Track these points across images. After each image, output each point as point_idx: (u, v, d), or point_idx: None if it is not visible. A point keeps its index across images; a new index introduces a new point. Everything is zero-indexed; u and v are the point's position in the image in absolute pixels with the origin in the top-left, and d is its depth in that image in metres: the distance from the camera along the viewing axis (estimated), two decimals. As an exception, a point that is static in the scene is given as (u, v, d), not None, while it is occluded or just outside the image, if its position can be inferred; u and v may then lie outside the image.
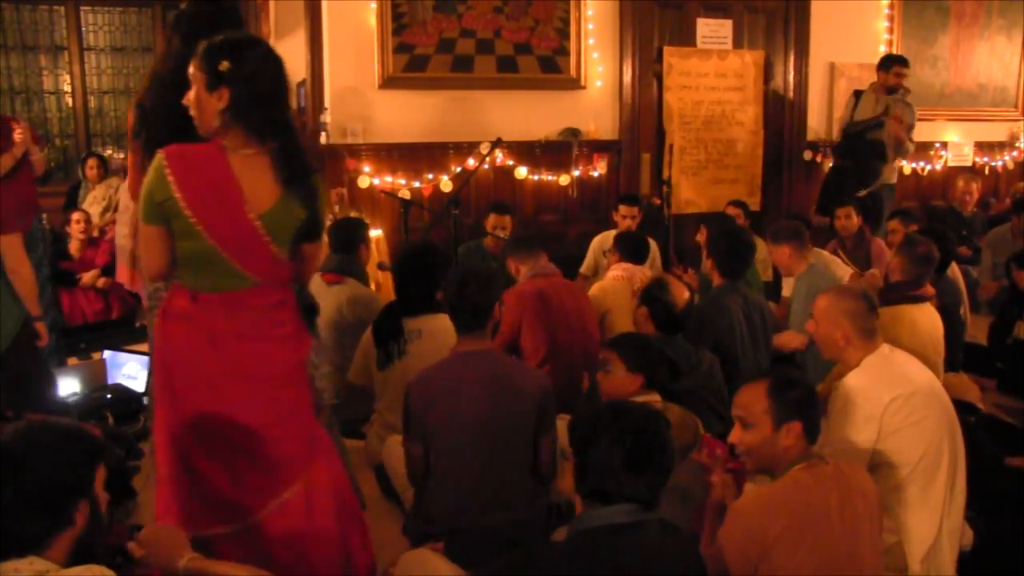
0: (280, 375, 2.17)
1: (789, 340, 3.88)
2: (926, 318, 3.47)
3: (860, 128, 5.87)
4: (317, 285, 3.88)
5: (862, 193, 5.80)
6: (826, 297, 2.71)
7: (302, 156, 2.07)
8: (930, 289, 3.60)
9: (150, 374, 2.57)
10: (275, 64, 2.04)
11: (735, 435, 2.17)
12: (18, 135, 3.76)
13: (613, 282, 4.08)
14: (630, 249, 4.30)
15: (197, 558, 1.70)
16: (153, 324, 2.22)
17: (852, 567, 2.00)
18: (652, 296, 3.16)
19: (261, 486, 2.13)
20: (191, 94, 2.04)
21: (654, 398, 2.66)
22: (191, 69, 2.03)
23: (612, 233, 4.98)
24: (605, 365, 2.72)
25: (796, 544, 1.95)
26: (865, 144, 5.83)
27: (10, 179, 3.69)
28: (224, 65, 1.96)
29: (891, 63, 5.98)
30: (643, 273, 4.07)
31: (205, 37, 2.08)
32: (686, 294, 3.19)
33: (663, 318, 3.13)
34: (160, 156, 1.97)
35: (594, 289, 4.12)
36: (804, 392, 2.14)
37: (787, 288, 4.79)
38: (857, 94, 6.02)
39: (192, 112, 2.05)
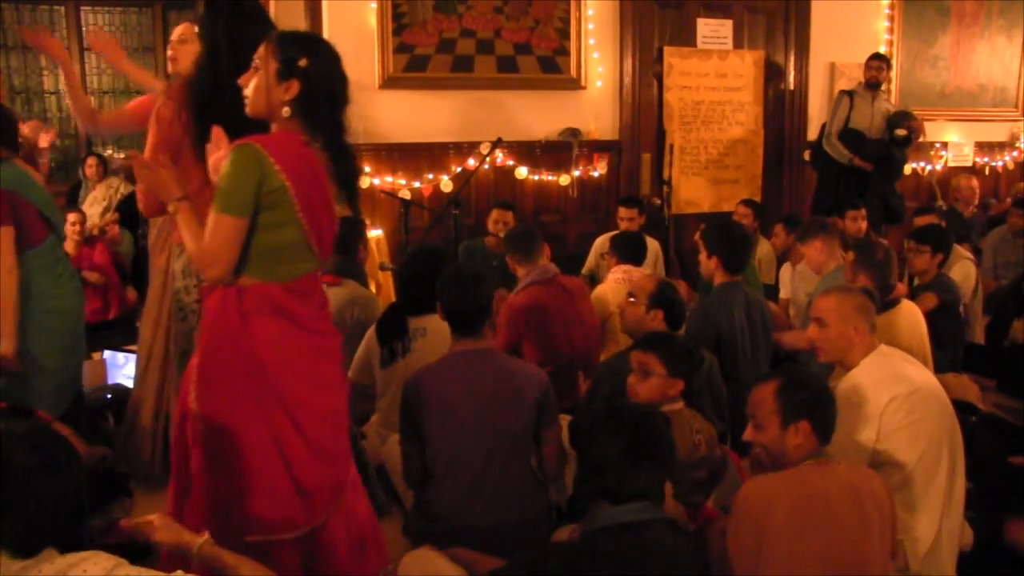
0: (340, 355, 2.24)
1: (795, 339, 3.88)
2: (904, 319, 3.45)
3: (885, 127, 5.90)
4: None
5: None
6: (832, 298, 2.68)
7: (354, 159, 2.15)
8: (901, 288, 3.59)
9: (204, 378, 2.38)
10: (341, 68, 2.11)
11: (748, 433, 2.21)
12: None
13: (615, 285, 4.06)
14: (627, 250, 4.28)
15: (211, 542, 1.72)
16: (209, 326, 2.09)
17: (858, 565, 2.00)
18: (669, 299, 3.16)
19: (330, 486, 2.15)
20: (253, 77, 2.07)
21: (679, 406, 2.61)
22: (261, 52, 2.06)
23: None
24: (643, 368, 2.56)
25: (798, 531, 1.97)
26: (890, 142, 5.85)
27: None
28: (303, 61, 2.02)
29: (868, 59, 6.02)
30: (640, 273, 4.06)
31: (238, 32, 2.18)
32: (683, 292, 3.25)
33: (675, 317, 3.15)
34: (256, 147, 1.96)
35: (596, 291, 4.11)
36: (813, 392, 2.14)
37: (785, 290, 4.80)
38: (850, 95, 6.00)
39: (248, 93, 2.08)
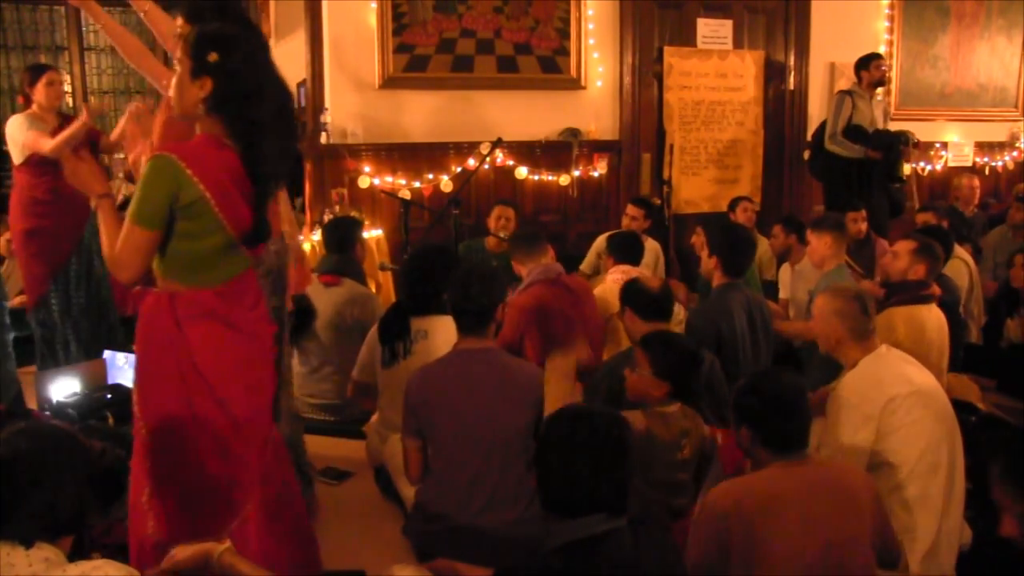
0: (272, 350, 2.24)
1: (797, 329, 3.88)
2: (934, 319, 3.46)
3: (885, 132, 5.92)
4: (314, 286, 3.89)
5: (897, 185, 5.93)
6: (822, 296, 2.78)
7: (267, 161, 2.06)
8: (937, 289, 3.60)
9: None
10: (262, 63, 2.06)
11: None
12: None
13: (613, 285, 4.05)
14: (622, 249, 4.27)
15: (231, 551, 1.73)
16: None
17: (834, 560, 2.00)
18: (630, 292, 3.13)
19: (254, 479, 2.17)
20: (173, 76, 2.06)
21: (673, 409, 2.61)
22: (178, 52, 2.06)
23: (612, 234, 4.96)
24: (635, 363, 2.65)
25: (762, 529, 1.98)
26: (893, 137, 5.87)
27: None
28: (213, 57, 1.98)
29: (870, 59, 5.98)
30: (638, 273, 4.04)
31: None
32: (657, 283, 3.20)
33: (648, 306, 3.08)
34: (172, 158, 1.94)
35: (596, 291, 4.10)
36: (756, 402, 2.13)
37: (784, 290, 4.80)
38: (850, 95, 5.96)
39: (171, 92, 2.08)
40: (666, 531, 1.94)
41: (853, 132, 5.84)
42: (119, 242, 1.95)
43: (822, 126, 6.11)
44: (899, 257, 3.56)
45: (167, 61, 3.31)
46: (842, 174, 5.91)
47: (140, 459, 2.10)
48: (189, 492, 2.05)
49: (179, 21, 2.75)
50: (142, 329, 2.08)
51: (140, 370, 2.09)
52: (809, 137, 6.69)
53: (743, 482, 2.12)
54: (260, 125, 2.03)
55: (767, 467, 2.10)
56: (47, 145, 4.10)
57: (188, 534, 1.92)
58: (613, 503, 1.76)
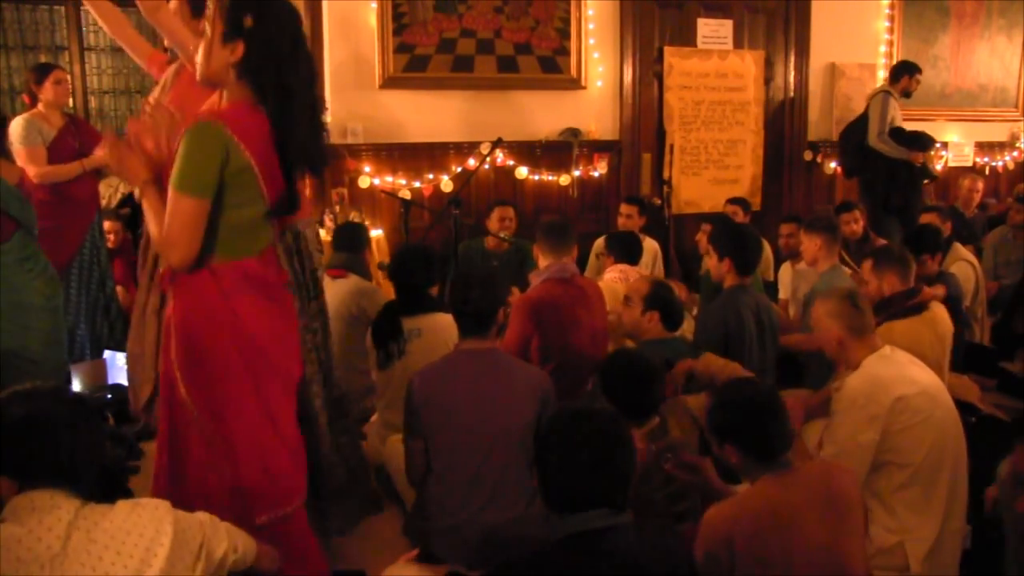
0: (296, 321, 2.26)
1: (801, 341, 3.86)
2: (928, 330, 3.35)
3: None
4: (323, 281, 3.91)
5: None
6: (816, 303, 2.78)
7: (298, 126, 2.02)
8: (928, 293, 3.55)
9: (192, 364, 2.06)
10: (293, 28, 2.01)
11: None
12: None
13: (612, 284, 4.05)
14: (622, 249, 4.28)
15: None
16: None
17: (835, 566, 1.97)
18: (663, 299, 3.16)
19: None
20: (201, 42, 2.00)
21: (652, 427, 2.58)
22: (209, 14, 1.98)
23: (611, 236, 4.95)
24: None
25: (763, 545, 1.94)
26: (927, 138, 5.90)
27: None
28: (248, 20, 1.93)
29: (914, 69, 6.02)
30: (636, 273, 4.04)
31: None
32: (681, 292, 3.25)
33: (671, 317, 3.17)
34: (219, 124, 1.89)
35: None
36: (728, 415, 2.09)
37: (784, 290, 4.79)
38: (889, 95, 5.92)
39: (197, 57, 2.01)
40: (670, 530, 1.93)
41: (894, 133, 5.85)
42: (167, 218, 1.89)
43: (853, 125, 6.09)
44: (866, 283, 3.46)
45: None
46: (888, 172, 5.90)
47: (193, 443, 2.04)
48: (245, 474, 2.02)
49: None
50: (183, 308, 2.00)
51: (187, 352, 1.99)
52: (812, 137, 6.69)
53: (737, 503, 2.05)
54: (291, 92, 1.98)
55: (758, 482, 2.04)
56: (36, 172, 4.09)
57: (240, 519, 1.93)
58: (613, 498, 1.75)
